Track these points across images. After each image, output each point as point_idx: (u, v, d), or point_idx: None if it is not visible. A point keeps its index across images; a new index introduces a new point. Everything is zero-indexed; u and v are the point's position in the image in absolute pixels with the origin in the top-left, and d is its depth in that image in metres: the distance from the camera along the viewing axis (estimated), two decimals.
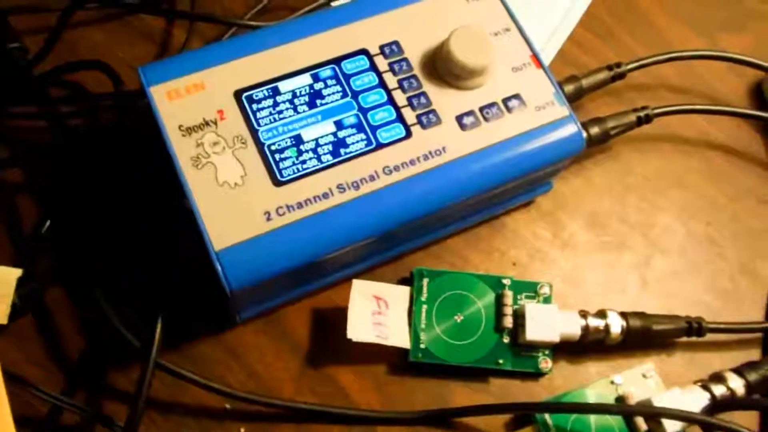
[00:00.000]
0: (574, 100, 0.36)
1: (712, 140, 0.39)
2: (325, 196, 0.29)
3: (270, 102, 0.31)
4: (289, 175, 0.29)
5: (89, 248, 0.32)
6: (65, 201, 0.34)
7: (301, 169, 0.30)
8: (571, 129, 0.32)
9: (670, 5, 0.43)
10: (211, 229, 0.28)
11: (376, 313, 0.32)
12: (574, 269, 0.35)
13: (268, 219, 0.28)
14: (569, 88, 0.35)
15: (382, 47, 0.32)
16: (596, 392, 0.32)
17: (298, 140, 0.30)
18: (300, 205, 0.29)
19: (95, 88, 0.37)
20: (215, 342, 0.32)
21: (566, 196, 0.37)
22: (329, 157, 0.30)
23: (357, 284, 0.31)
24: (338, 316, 0.33)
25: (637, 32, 0.42)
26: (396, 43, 0.32)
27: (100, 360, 0.31)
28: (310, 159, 0.30)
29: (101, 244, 0.33)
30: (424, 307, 0.32)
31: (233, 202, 0.28)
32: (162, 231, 0.32)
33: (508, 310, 0.32)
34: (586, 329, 0.32)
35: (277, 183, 0.29)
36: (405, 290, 0.32)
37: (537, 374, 0.32)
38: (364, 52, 0.32)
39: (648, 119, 0.36)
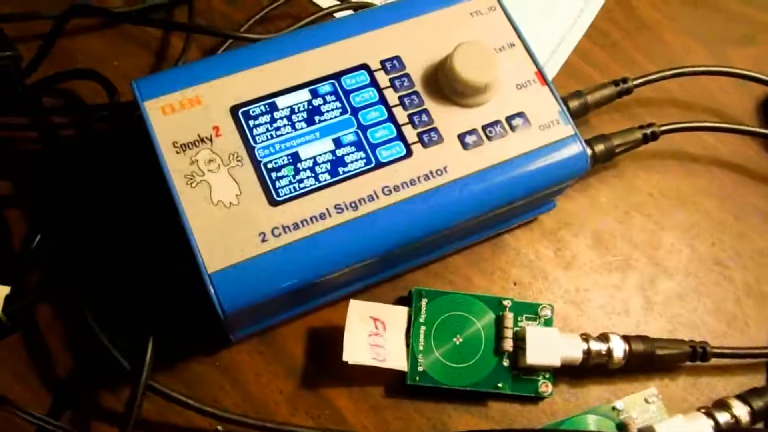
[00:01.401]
0: (579, 116, 0.35)
1: (719, 157, 0.39)
2: (323, 216, 0.28)
3: (267, 118, 0.30)
4: (285, 194, 0.29)
5: (80, 265, 0.32)
6: (56, 215, 0.33)
7: (298, 188, 0.29)
8: (575, 149, 0.31)
9: (677, 18, 0.42)
10: (204, 251, 0.27)
11: (374, 334, 0.31)
12: (576, 290, 0.35)
13: (264, 240, 0.28)
14: (574, 104, 0.35)
15: (383, 62, 0.31)
16: (597, 418, 0.31)
17: (295, 158, 0.29)
18: (296, 226, 0.28)
19: (90, 97, 0.36)
20: (208, 362, 0.31)
21: (570, 214, 0.36)
22: (327, 176, 0.29)
23: (354, 305, 0.31)
24: (335, 336, 0.32)
25: (643, 45, 0.41)
26: (398, 58, 0.32)
27: (89, 380, 0.31)
28: (308, 178, 0.29)
29: (92, 260, 0.32)
30: (423, 328, 0.32)
31: (228, 223, 0.28)
32: (155, 248, 0.32)
33: (509, 333, 0.31)
34: (587, 353, 0.31)
35: (274, 203, 0.28)
36: (403, 311, 0.32)
37: (537, 398, 0.32)
38: (364, 67, 0.31)
39: (654, 136, 0.35)
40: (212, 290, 0.27)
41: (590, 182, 0.37)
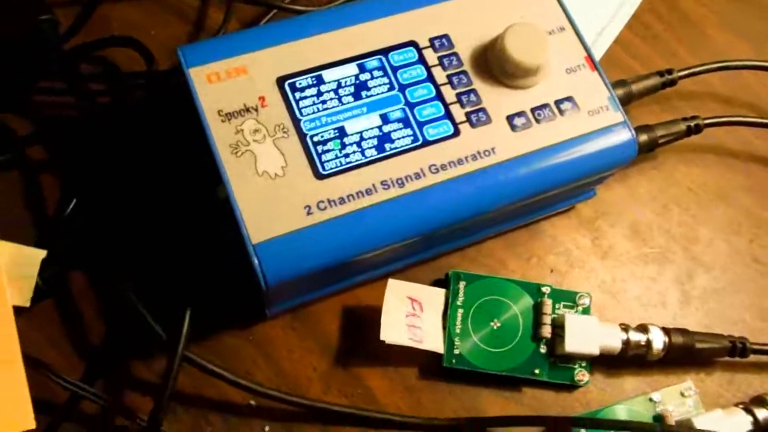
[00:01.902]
0: (622, 104, 0.34)
1: (755, 153, 0.38)
2: (369, 192, 0.28)
3: (314, 91, 0.29)
4: (331, 168, 0.28)
5: (116, 232, 0.31)
6: (91, 182, 0.32)
7: (344, 162, 0.28)
8: (624, 136, 0.30)
9: (718, 11, 0.42)
10: (248, 221, 0.27)
11: (411, 315, 0.31)
12: (613, 280, 0.34)
13: (309, 213, 0.27)
14: (618, 92, 0.34)
15: (431, 40, 0.31)
16: (633, 409, 0.31)
17: (341, 132, 0.29)
18: (342, 201, 0.28)
19: (127, 65, 0.36)
20: (241, 336, 0.31)
21: (608, 203, 0.36)
22: (374, 151, 0.29)
23: (392, 284, 0.30)
24: (369, 316, 0.31)
25: (685, 38, 0.41)
26: (446, 36, 0.31)
27: (122, 348, 0.30)
28: (354, 153, 0.29)
29: (128, 228, 0.32)
30: (460, 311, 0.31)
31: (273, 194, 0.27)
32: (194, 218, 0.31)
33: (547, 320, 0.31)
34: (626, 343, 0.31)
35: (319, 176, 0.28)
36: (441, 293, 0.31)
37: (572, 386, 0.31)
38: (413, 44, 0.31)
39: (698, 129, 0.35)
40: (256, 261, 0.26)
41: (629, 173, 0.37)
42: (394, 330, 0.30)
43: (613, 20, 0.41)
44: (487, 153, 0.29)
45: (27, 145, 0.33)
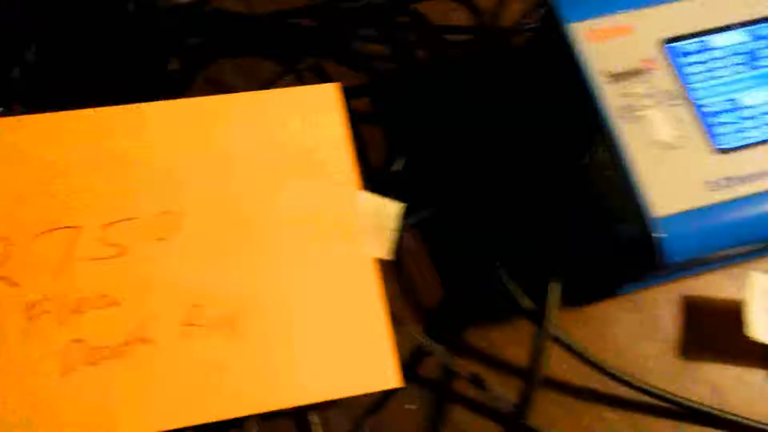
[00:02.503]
0: None
1: None
2: None
3: (701, 57, 0.27)
4: (729, 143, 0.25)
5: (464, 196, 0.30)
6: (421, 139, 0.31)
7: (741, 138, 0.26)
8: None
9: None
10: (648, 192, 0.24)
11: None
12: None
13: (711, 190, 0.25)
14: None
15: None
16: None
17: (735, 105, 0.26)
18: (745, 180, 0.25)
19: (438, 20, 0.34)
20: (579, 314, 0.29)
21: None
22: None
23: (758, 278, 0.28)
24: (714, 309, 0.29)
25: None
26: None
27: (458, 313, 0.29)
28: (753, 128, 0.26)
29: (478, 192, 0.30)
30: None
31: (670, 165, 0.25)
32: (558, 186, 0.29)
33: None
34: None
35: (718, 150, 0.25)
36: None
37: None
38: None
39: None
40: (658, 236, 0.24)
41: None
42: (762, 327, 0.27)
43: None
44: None
45: (352, 97, 0.32)
